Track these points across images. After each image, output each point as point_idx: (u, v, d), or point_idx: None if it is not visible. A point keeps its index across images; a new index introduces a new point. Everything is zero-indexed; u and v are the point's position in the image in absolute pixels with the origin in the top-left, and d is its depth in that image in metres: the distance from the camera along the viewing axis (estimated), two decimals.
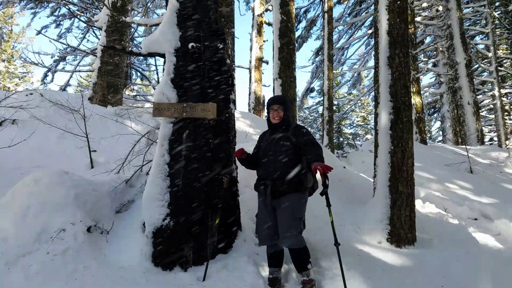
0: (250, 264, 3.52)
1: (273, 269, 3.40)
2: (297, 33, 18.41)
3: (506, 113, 20.10)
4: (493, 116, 20.70)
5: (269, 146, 3.47)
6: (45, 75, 14.47)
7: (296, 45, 18.05)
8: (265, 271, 3.54)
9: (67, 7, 12.81)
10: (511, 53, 20.43)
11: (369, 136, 27.06)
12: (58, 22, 15.22)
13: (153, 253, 3.52)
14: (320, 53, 18.75)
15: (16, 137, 6.04)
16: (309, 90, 19.90)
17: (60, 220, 3.53)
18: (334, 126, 14.80)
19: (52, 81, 14.49)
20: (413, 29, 12.58)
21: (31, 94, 7.96)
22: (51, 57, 14.22)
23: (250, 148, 4.50)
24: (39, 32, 12.84)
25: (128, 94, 13.01)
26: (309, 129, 28.61)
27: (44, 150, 6.34)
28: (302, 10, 18.69)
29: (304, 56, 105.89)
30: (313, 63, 19.52)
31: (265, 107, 3.71)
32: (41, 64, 11.36)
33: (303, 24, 18.85)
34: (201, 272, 3.40)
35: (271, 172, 3.37)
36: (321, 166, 3.03)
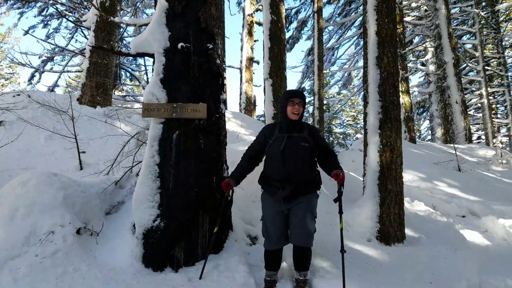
0: (241, 264, 3.53)
1: (272, 272, 3.33)
2: (289, 34, 18.49)
3: (493, 112, 20.42)
4: (480, 114, 21.03)
5: (288, 147, 3.24)
6: (32, 76, 14.28)
7: (288, 45, 18.17)
8: (257, 271, 3.53)
9: (54, 6, 12.67)
10: (497, 53, 20.77)
11: (359, 136, 27.25)
12: (45, 22, 15.06)
13: (144, 254, 3.50)
14: (311, 53, 18.84)
15: (3, 138, 5.96)
16: (300, 89, 19.95)
17: (49, 222, 3.49)
18: (325, 126, 14.87)
19: (39, 81, 14.32)
20: (401, 29, 12.70)
21: (19, 95, 7.87)
22: (39, 58, 14.05)
23: (241, 148, 4.51)
24: (26, 32, 12.68)
25: (118, 95, 12.91)
26: None
27: (32, 151, 6.27)
28: (293, 11, 18.80)
29: (295, 57, 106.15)
30: (304, 64, 19.60)
31: (283, 99, 3.39)
32: (29, 65, 11.23)
33: (294, 24, 18.96)
34: (192, 273, 3.40)
35: (292, 175, 3.21)
36: (342, 175, 3.17)
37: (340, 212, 3.23)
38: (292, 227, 3.24)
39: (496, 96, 22.92)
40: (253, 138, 3.78)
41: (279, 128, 3.37)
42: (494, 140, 12.21)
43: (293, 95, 3.34)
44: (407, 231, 4.85)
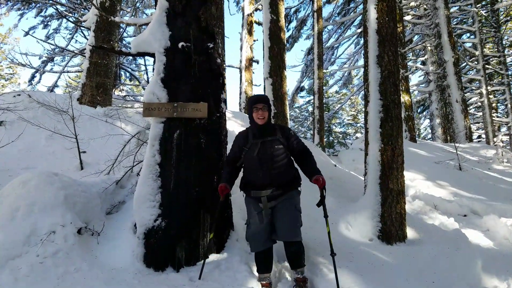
0: (243, 264, 3.53)
1: (265, 275, 3.33)
2: (288, 33, 18.49)
3: (493, 111, 20.41)
4: (481, 113, 21.01)
5: (263, 152, 3.30)
6: (33, 76, 14.26)
7: (287, 45, 18.16)
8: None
9: (54, 7, 12.65)
10: (497, 51, 20.74)
11: (359, 135, 27.24)
12: (45, 23, 15.05)
13: (145, 254, 3.50)
14: (310, 52, 18.84)
15: (4, 138, 5.95)
16: (299, 88, 19.98)
17: (50, 222, 3.48)
18: (325, 125, 14.86)
19: (39, 82, 14.29)
20: (401, 28, 12.68)
21: (19, 95, 7.86)
22: (39, 58, 14.04)
23: None
24: (27, 33, 12.66)
25: (118, 95, 12.90)
26: (300, 128, 28.73)
27: (33, 151, 6.26)
28: (293, 9, 18.81)
29: (295, 56, 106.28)
30: (304, 63, 19.59)
31: (248, 106, 3.49)
32: (29, 65, 11.20)
33: (293, 24, 18.98)
34: (193, 273, 3.39)
35: (271, 177, 3.27)
36: (322, 180, 3.22)
37: (325, 216, 3.26)
38: (277, 224, 3.28)
39: (496, 95, 22.90)
40: None
41: (253, 135, 3.41)
42: (495, 139, 12.25)
43: (255, 101, 3.40)
44: (409, 231, 4.83)
